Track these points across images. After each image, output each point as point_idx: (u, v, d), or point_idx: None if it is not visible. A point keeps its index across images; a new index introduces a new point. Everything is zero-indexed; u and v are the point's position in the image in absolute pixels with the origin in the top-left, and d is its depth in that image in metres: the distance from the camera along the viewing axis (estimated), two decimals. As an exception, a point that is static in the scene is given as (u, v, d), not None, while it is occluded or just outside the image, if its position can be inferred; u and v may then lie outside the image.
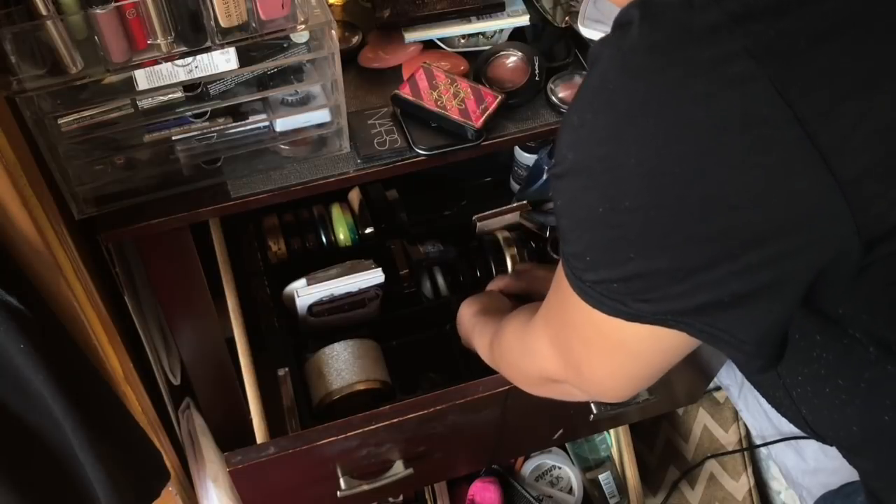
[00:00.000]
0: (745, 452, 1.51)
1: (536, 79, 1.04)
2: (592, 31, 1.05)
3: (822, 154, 0.49)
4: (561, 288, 0.66)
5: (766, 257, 0.52)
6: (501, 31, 1.10)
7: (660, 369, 0.68)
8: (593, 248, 0.58)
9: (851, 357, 0.63)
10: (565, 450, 1.55)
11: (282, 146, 0.96)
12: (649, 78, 0.51)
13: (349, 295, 1.16)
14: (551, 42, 1.10)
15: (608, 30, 1.06)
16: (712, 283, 0.54)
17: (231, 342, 1.12)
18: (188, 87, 0.86)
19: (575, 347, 0.69)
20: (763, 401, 1.43)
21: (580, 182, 0.57)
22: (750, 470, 1.50)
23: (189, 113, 0.89)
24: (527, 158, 1.33)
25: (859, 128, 0.49)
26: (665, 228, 0.53)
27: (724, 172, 0.50)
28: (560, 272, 0.65)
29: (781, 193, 0.50)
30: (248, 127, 0.93)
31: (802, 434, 1.33)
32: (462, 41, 1.09)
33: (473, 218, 1.27)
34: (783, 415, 0.78)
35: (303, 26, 0.84)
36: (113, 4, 0.75)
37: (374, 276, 1.15)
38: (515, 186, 1.40)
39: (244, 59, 0.85)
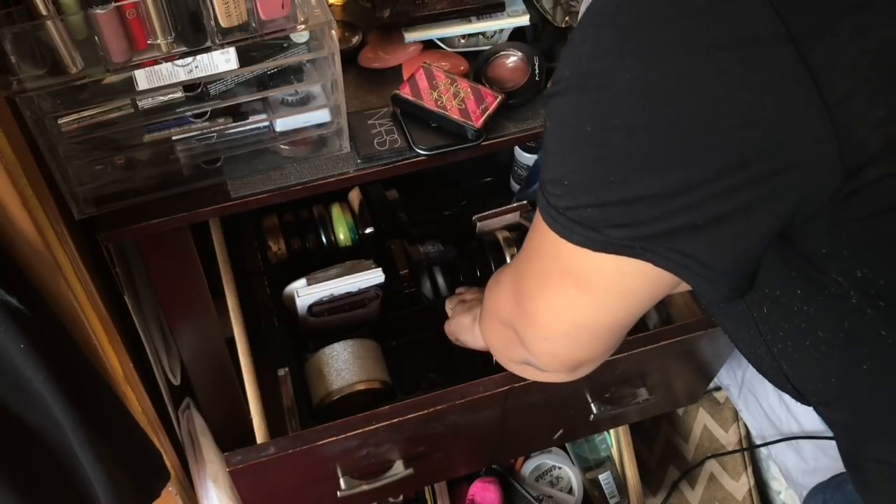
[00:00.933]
0: (745, 452, 1.51)
1: (536, 79, 1.04)
2: (592, 31, 1.04)
3: (812, 73, 0.49)
4: (533, 228, 0.66)
5: (746, 178, 0.52)
6: (501, 31, 1.10)
7: (606, 324, 0.67)
8: (575, 170, 0.58)
9: (832, 308, 0.62)
10: (565, 450, 1.55)
11: (282, 146, 0.96)
12: None
13: (349, 295, 1.16)
14: (551, 42, 1.10)
15: None
16: (689, 207, 0.54)
17: (231, 342, 1.12)
18: (188, 87, 0.86)
19: (528, 280, 0.69)
20: (763, 401, 1.44)
21: (573, 99, 0.57)
22: (750, 470, 1.50)
23: (189, 113, 0.89)
24: (527, 158, 1.33)
25: (851, 47, 0.49)
26: (651, 149, 0.53)
27: (714, 90, 0.50)
28: (535, 222, 0.65)
29: (769, 113, 0.50)
30: (248, 127, 0.93)
31: (803, 434, 1.34)
32: (462, 41, 1.09)
33: (473, 218, 1.27)
34: (764, 374, 0.76)
35: (303, 26, 0.84)
36: (113, 4, 0.75)
37: (374, 276, 1.15)
38: (515, 186, 1.40)
39: (244, 59, 0.85)
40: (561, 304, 0.66)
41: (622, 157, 0.55)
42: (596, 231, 0.58)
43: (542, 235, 0.63)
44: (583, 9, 1.08)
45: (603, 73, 0.54)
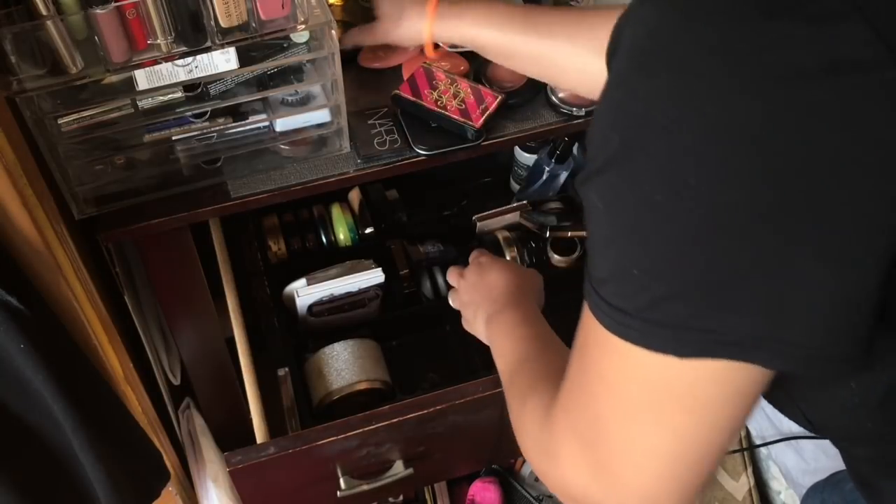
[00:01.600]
0: (745, 452, 1.51)
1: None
2: (592, 31, 1.04)
3: None
4: (584, 351, 0.54)
5: (856, 227, 0.43)
6: (501, 31, 1.09)
7: (719, 444, 0.52)
8: (645, 255, 0.47)
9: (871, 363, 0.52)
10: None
11: (282, 146, 0.96)
12: (718, 23, 0.43)
13: (349, 295, 1.16)
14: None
15: None
16: (789, 277, 0.44)
17: (231, 342, 1.12)
18: (188, 87, 0.86)
19: (600, 426, 0.53)
20: (763, 401, 1.44)
21: (631, 166, 0.47)
22: (750, 470, 1.50)
23: (189, 113, 0.89)
24: (527, 158, 1.33)
25: None
26: (740, 209, 0.43)
27: (808, 130, 0.42)
28: (584, 328, 0.53)
29: (879, 150, 0.42)
30: (248, 127, 0.93)
31: (803, 434, 1.34)
32: (462, 41, 1.09)
33: (473, 218, 1.27)
34: (772, 403, 0.69)
35: (303, 26, 0.84)
36: (113, 4, 0.75)
37: (374, 276, 1.15)
38: (515, 186, 1.40)
39: (244, 59, 0.85)
40: (658, 442, 0.51)
41: (707, 223, 0.45)
42: (688, 329, 0.47)
43: (607, 359, 0.51)
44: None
45: (668, 127, 0.44)
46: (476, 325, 0.94)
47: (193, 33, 0.80)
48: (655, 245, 0.47)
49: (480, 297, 0.94)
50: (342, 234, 1.24)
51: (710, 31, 0.43)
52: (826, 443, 1.26)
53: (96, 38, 0.77)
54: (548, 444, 0.60)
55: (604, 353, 0.52)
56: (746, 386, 0.49)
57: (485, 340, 0.92)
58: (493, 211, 1.27)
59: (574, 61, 0.86)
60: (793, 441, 1.36)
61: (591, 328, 0.52)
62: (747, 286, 0.45)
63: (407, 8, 0.93)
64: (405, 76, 1.04)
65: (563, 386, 0.59)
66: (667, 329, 0.47)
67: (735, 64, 0.43)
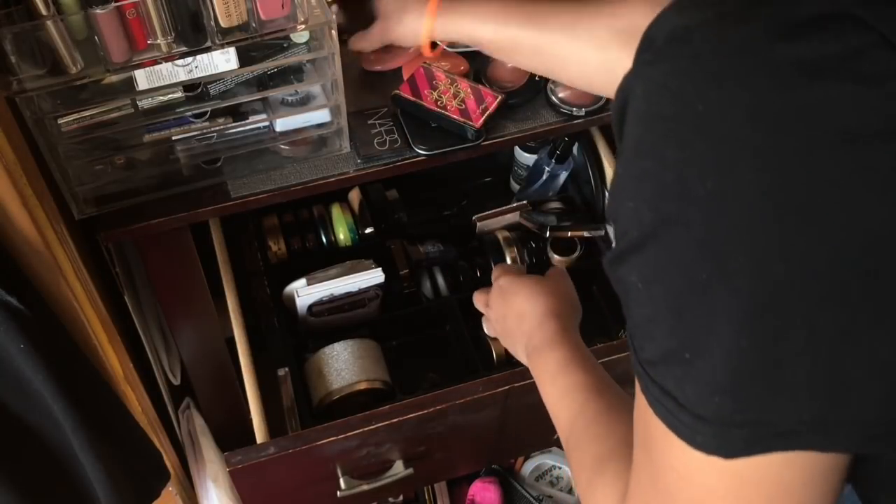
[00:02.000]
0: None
1: (536, 79, 1.04)
2: (592, 31, 1.04)
3: None
4: (647, 439, 0.50)
5: None
6: (501, 31, 1.09)
7: None
8: (694, 338, 0.44)
9: None
10: (565, 450, 1.55)
11: (282, 146, 0.96)
12: (755, 85, 0.40)
13: (349, 295, 1.16)
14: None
15: None
16: (846, 354, 0.42)
17: (231, 342, 1.12)
18: (188, 87, 0.86)
19: None
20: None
21: (671, 242, 0.43)
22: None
23: (189, 113, 0.89)
24: (527, 158, 1.33)
25: None
26: (793, 287, 0.40)
27: (864, 198, 0.39)
28: (641, 409, 0.49)
29: None
30: (248, 127, 0.93)
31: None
32: (462, 41, 1.09)
33: (473, 218, 1.27)
34: None
35: (303, 26, 0.84)
36: (113, 4, 0.75)
37: (374, 276, 1.15)
38: (515, 186, 1.40)
39: (244, 59, 0.85)
40: None
41: (764, 305, 0.41)
42: (735, 425, 0.44)
43: (671, 447, 0.47)
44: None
45: (709, 199, 0.41)
46: (519, 356, 0.89)
47: (193, 33, 0.80)
48: (706, 327, 0.43)
49: (513, 331, 0.88)
50: (342, 234, 1.24)
51: (746, 94, 0.40)
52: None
53: (96, 38, 0.77)
54: None
55: (668, 443, 0.47)
56: (820, 470, 0.46)
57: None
58: (493, 211, 1.27)
59: (574, 53, 0.85)
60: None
61: (649, 414, 0.48)
62: (800, 368, 0.42)
63: (408, 5, 0.92)
64: (405, 76, 1.04)
65: (633, 478, 0.55)
66: (716, 426, 0.44)
67: (779, 131, 0.39)
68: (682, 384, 0.45)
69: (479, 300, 0.99)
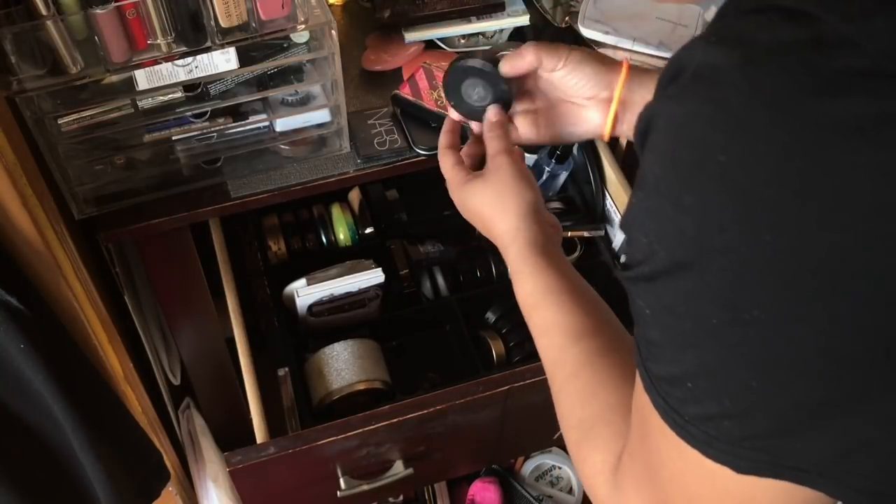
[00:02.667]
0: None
1: (536, 79, 1.04)
2: (592, 31, 1.04)
3: None
4: (645, 428, 0.51)
5: None
6: (501, 31, 1.10)
7: None
8: (698, 372, 0.44)
9: None
10: (565, 450, 1.55)
11: (282, 146, 0.96)
12: (786, 143, 0.38)
13: (349, 295, 1.16)
14: (551, 42, 1.10)
15: (608, 30, 0.99)
16: (867, 414, 0.41)
17: (231, 342, 1.12)
18: (188, 87, 0.86)
19: None
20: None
21: (683, 284, 0.43)
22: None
23: (189, 113, 0.89)
24: (527, 158, 1.33)
25: None
26: (810, 346, 0.40)
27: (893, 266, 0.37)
28: (641, 400, 0.50)
29: None
30: (248, 127, 0.93)
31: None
32: (462, 41, 1.09)
33: (473, 218, 1.27)
34: None
35: (303, 26, 0.84)
36: (113, 4, 0.75)
37: (374, 276, 1.15)
38: (515, 186, 1.39)
39: (244, 59, 0.85)
40: None
41: (767, 356, 0.41)
42: (744, 448, 0.44)
43: (672, 447, 0.47)
44: (583, 10, 1.08)
45: (727, 251, 0.40)
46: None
47: (193, 33, 0.80)
48: (709, 365, 0.43)
49: (476, 223, 0.79)
50: (342, 234, 1.24)
51: (772, 151, 0.38)
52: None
53: (96, 38, 0.77)
54: (611, 494, 0.58)
55: (665, 441, 0.48)
56: (814, 501, 0.46)
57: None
58: (493, 211, 1.27)
59: None
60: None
61: (649, 408, 0.48)
62: (812, 419, 0.42)
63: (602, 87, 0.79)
64: (405, 76, 1.04)
65: (626, 458, 0.56)
66: (724, 444, 0.44)
67: (804, 194, 0.38)
68: (686, 405, 0.46)
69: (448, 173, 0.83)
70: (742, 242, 0.39)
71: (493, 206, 0.76)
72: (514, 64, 0.79)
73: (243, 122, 0.93)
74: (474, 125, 0.82)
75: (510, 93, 0.80)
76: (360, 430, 1.02)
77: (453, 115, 0.83)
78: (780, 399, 0.42)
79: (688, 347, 0.44)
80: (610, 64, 0.80)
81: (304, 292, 1.13)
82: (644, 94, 0.79)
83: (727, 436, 0.44)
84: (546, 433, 1.29)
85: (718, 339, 0.42)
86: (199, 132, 0.91)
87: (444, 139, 0.82)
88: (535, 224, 0.74)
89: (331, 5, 1.12)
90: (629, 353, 0.65)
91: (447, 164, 0.80)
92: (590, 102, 0.80)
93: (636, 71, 0.79)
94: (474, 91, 0.81)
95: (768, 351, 0.41)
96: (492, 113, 0.79)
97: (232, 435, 1.17)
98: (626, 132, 0.81)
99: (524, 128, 0.81)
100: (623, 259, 0.47)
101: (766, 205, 0.38)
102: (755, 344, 0.41)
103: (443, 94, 0.85)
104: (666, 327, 0.45)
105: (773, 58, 0.39)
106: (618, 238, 1.26)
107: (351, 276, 1.14)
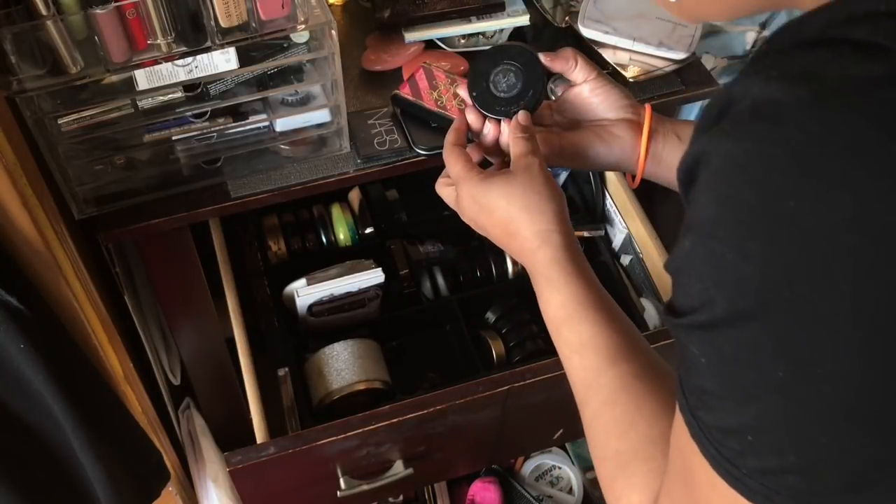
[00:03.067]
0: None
1: (536, 79, 1.04)
2: (592, 31, 1.04)
3: None
4: (691, 469, 0.47)
5: None
6: (501, 31, 1.09)
7: None
8: (760, 426, 0.41)
9: None
10: (565, 450, 1.55)
11: (282, 146, 0.96)
12: (860, 186, 0.35)
13: (349, 295, 1.16)
14: (551, 42, 1.10)
15: (608, 30, 0.99)
16: None
17: (231, 342, 1.12)
18: (188, 87, 0.86)
19: None
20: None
21: (746, 335, 0.40)
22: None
23: (189, 113, 0.89)
24: (527, 158, 1.33)
25: None
26: (890, 399, 0.38)
27: None
28: (683, 442, 0.46)
29: None
30: (248, 127, 0.93)
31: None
32: (462, 41, 1.09)
33: (473, 218, 1.27)
34: None
35: (303, 26, 0.84)
36: (113, 4, 0.75)
37: (374, 276, 1.15)
38: (515, 186, 1.39)
39: (244, 59, 0.85)
40: None
41: (838, 413, 0.39)
42: (803, 502, 0.42)
43: (719, 498, 0.45)
44: (583, 10, 1.08)
45: (795, 304, 0.38)
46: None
47: (193, 33, 0.80)
48: (774, 420, 0.41)
49: (502, 243, 0.74)
50: (342, 234, 1.24)
51: (850, 198, 0.35)
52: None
53: (96, 38, 0.77)
54: None
55: (715, 492, 0.44)
56: None
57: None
58: (493, 211, 1.27)
59: None
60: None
61: (695, 455, 0.45)
62: (881, 476, 0.40)
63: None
64: (405, 76, 1.04)
65: (666, 498, 0.52)
66: (787, 499, 0.41)
67: (886, 243, 0.35)
68: (743, 457, 0.43)
69: (444, 192, 0.80)
70: (815, 294, 0.37)
71: (520, 206, 0.69)
72: (553, 57, 0.77)
73: (243, 122, 0.93)
74: (488, 128, 0.79)
75: (544, 85, 0.76)
76: (360, 430, 1.02)
77: (468, 113, 0.80)
78: (854, 456, 0.39)
79: (749, 401, 0.41)
80: (634, 99, 0.79)
81: (304, 292, 1.13)
82: (671, 127, 0.77)
83: (791, 490, 0.41)
84: (546, 433, 1.29)
85: (785, 394, 0.40)
86: (199, 132, 0.91)
87: (452, 136, 0.77)
88: (568, 229, 0.69)
89: (331, 5, 1.12)
90: (666, 379, 0.62)
91: (458, 161, 0.74)
92: (613, 125, 0.78)
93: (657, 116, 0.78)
94: (505, 79, 0.77)
95: (842, 406, 0.38)
96: (521, 116, 0.76)
97: (232, 435, 1.17)
98: (664, 173, 0.77)
99: (543, 144, 0.77)
100: (670, 302, 0.46)
101: (843, 256, 0.36)
102: (828, 399, 0.38)
103: (458, 90, 0.81)
104: (724, 378, 0.42)
105: (847, 96, 0.36)
106: (618, 238, 1.26)
107: (351, 276, 1.14)
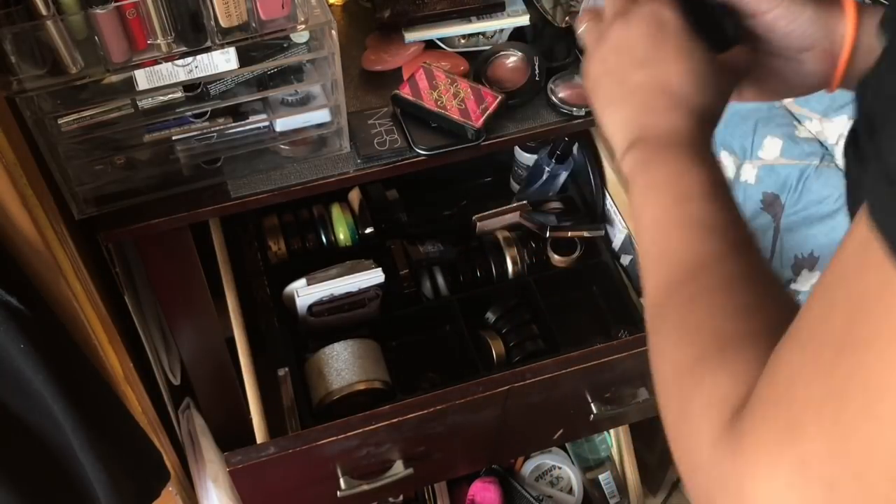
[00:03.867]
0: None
1: (536, 79, 1.04)
2: (592, 31, 1.04)
3: None
4: (854, 333, 0.32)
5: None
6: (501, 31, 1.10)
7: None
8: None
9: None
10: (565, 450, 1.55)
11: (282, 146, 0.96)
12: None
13: (349, 295, 1.16)
14: (551, 42, 1.10)
15: None
16: None
17: (231, 342, 1.12)
18: (188, 87, 0.86)
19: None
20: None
21: None
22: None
23: (189, 113, 0.89)
24: (527, 158, 1.33)
25: None
26: None
27: None
28: (845, 300, 0.33)
29: None
30: (248, 127, 0.93)
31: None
32: (462, 41, 1.09)
33: (473, 218, 1.27)
34: None
35: (303, 26, 0.84)
36: (113, 4, 0.75)
37: (374, 276, 1.15)
38: (515, 186, 1.40)
39: (244, 59, 0.85)
40: None
41: None
42: None
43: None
44: (583, 10, 1.08)
45: None
46: (603, 115, 0.60)
47: (193, 33, 0.80)
48: None
49: (616, 93, 0.59)
50: (342, 234, 1.24)
51: None
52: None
53: (96, 38, 0.77)
54: (728, 471, 0.37)
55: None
56: None
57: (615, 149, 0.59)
58: (493, 211, 1.27)
59: None
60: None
61: (867, 302, 0.31)
62: None
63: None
64: (405, 76, 1.04)
65: (762, 404, 0.36)
66: None
67: None
68: None
69: (586, 19, 0.64)
70: None
71: (706, 64, 0.57)
72: None
73: (243, 122, 0.93)
74: None
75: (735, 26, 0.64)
76: (360, 430, 1.02)
77: None
78: None
79: None
80: (829, 6, 0.62)
81: (304, 292, 1.13)
82: (872, 38, 0.61)
83: None
84: (546, 433, 1.29)
85: None
86: (199, 132, 0.91)
87: None
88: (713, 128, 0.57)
89: (331, 5, 1.12)
90: (789, 300, 0.47)
91: None
92: (806, 56, 0.63)
93: (864, 11, 0.61)
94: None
95: None
96: None
97: (232, 435, 1.17)
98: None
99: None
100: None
101: None
102: None
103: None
104: None
105: None
106: (618, 238, 1.26)
107: (351, 276, 1.14)
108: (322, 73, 0.91)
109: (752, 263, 0.48)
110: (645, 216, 0.53)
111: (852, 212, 0.36)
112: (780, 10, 0.62)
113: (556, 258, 1.23)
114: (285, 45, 0.88)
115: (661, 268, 0.50)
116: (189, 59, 0.82)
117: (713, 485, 0.38)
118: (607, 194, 1.26)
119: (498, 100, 1.00)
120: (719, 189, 0.52)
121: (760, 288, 0.47)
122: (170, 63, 0.81)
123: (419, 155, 0.97)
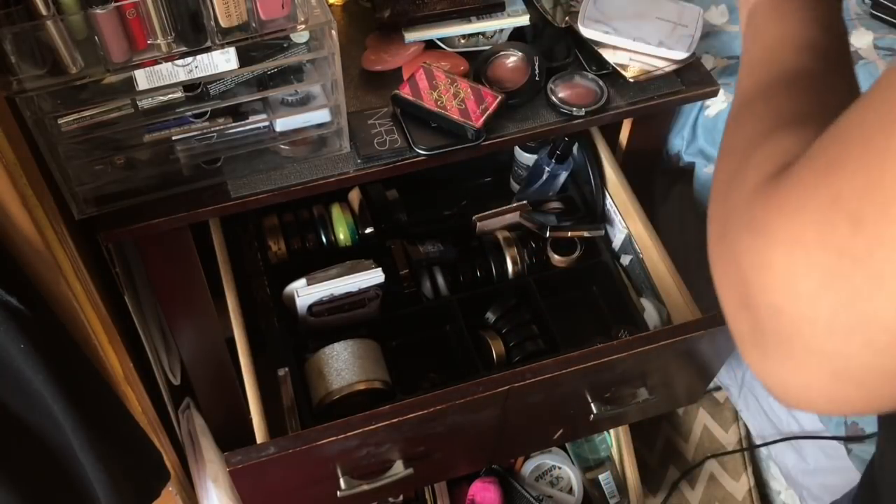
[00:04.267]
0: (745, 452, 1.51)
1: (536, 79, 1.04)
2: (592, 31, 1.05)
3: None
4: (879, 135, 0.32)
5: None
6: (501, 31, 1.10)
7: None
8: None
9: None
10: (565, 450, 1.55)
11: (282, 146, 0.96)
12: None
13: (349, 295, 1.16)
14: (551, 42, 1.10)
15: (608, 29, 0.97)
16: None
17: (231, 342, 1.12)
18: (188, 87, 0.86)
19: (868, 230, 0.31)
20: (763, 401, 1.44)
21: None
22: (750, 470, 1.50)
23: (189, 113, 0.89)
24: (527, 158, 1.33)
25: None
26: None
27: None
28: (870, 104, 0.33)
29: None
30: (248, 127, 0.93)
31: (803, 434, 1.34)
32: (462, 41, 1.09)
33: (473, 218, 1.27)
34: None
35: (303, 26, 0.84)
36: (113, 4, 0.75)
37: (374, 276, 1.15)
38: (515, 186, 1.40)
39: (244, 59, 0.85)
40: None
41: None
42: None
43: None
44: (583, 10, 1.08)
45: None
46: None
47: (193, 33, 0.80)
48: None
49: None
50: (342, 234, 1.24)
51: None
52: (826, 443, 1.27)
53: (96, 38, 0.77)
54: (759, 210, 0.36)
55: None
56: None
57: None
58: (493, 211, 1.27)
59: None
60: (793, 441, 1.36)
61: None
62: None
63: None
64: (405, 76, 1.04)
65: (824, 136, 0.35)
66: None
67: None
68: None
69: None
70: None
71: None
72: None
73: (243, 122, 0.93)
74: None
75: None
76: (360, 430, 1.02)
77: None
78: None
79: None
80: None
81: (304, 292, 1.13)
82: None
83: None
84: (546, 433, 1.29)
85: None
86: (199, 132, 0.91)
87: None
88: None
89: (331, 5, 1.13)
90: None
91: None
92: None
93: None
94: None
95: None
96: None
97: (232, 435, 1.17)
98: None
99: None
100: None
101: None
102: None
103: None
104: None
105: None
106: (618, 238, 1.26)
107: (351, 276, 1.14)
108: (322, 73, 0.91)
109: (856, 89, 0.47)
110: (769, 31, 0.51)
111: None
112: None
113: (556, 258, 1.23)
114: (285, 45, 0.88)
115: (762, 70, 0.49)
116: (189, 59, 0.82)
117: (742, 227, 0.37)
118: (607, 194, 1.26)
119: (498, 100, 1.00)
120: (842, 25, 0.51)
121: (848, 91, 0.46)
122: (170, 63, 0.81)
123: (419, 155, 0.97)
